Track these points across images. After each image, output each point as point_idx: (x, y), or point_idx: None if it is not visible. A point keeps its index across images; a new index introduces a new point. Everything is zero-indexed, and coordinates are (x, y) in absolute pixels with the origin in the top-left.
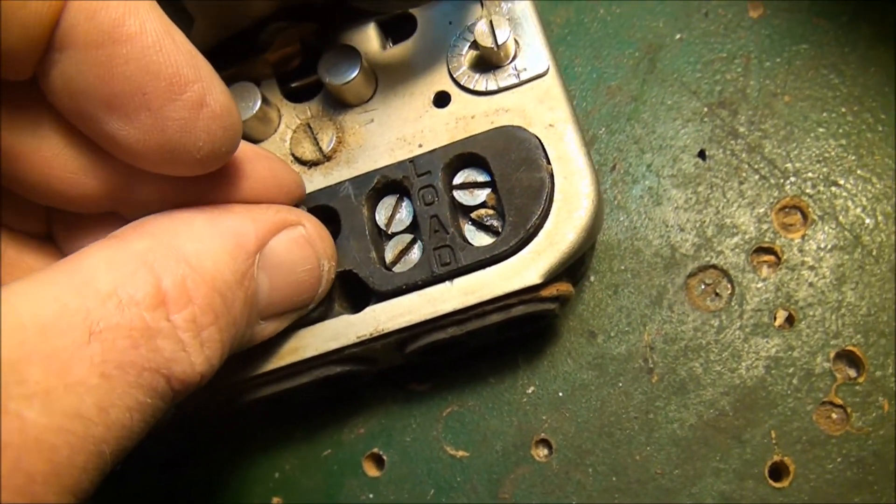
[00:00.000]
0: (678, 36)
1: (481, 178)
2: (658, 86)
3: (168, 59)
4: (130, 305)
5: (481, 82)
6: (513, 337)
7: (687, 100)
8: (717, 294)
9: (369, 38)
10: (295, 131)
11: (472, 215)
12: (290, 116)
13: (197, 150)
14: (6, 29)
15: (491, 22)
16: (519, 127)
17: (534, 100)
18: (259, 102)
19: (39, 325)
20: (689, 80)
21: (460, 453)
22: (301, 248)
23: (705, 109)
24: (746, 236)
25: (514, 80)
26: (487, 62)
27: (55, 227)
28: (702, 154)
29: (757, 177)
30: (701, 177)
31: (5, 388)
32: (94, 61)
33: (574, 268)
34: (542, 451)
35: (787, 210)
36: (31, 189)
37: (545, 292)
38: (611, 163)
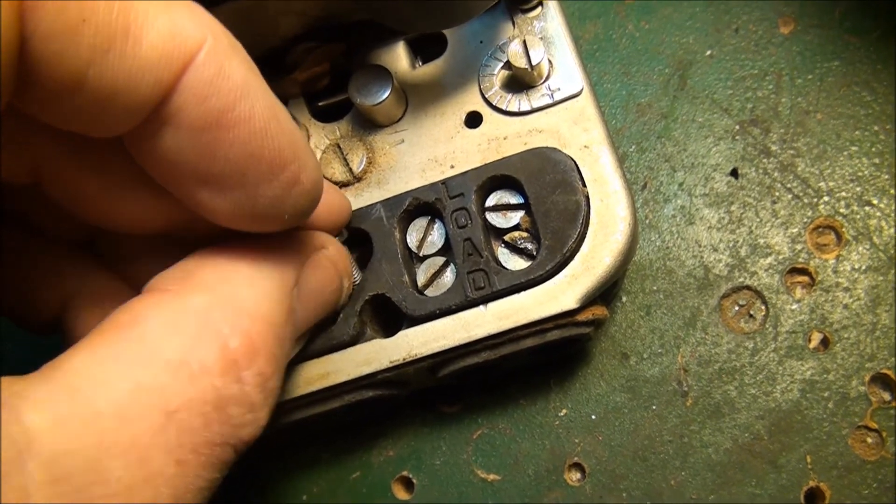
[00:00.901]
0: (708, 52)
1: (514, 200)
2: (689, 103)
3: (272, 143)
4: (202, 374)
5: (514, 102)
6: (545, 360)
7: (718, 117)
8: (751, 315)
9: (398, 57)
10: (324, 152)
11: (506, 238)
12: (319, 136)
13: (282, 219)
14: (108, 111)
15: (524, 42)
16: (553, 148)
17: (568, 120)
18: None
19: (116, 410)
20: (720, 98)
21: (491, 477)
22: (327, 272)
23: (737, 127)
24: (780, 257)
25: (548, 101)
26: (520, 82)
27: (101, 239)
28: (734, 173)
29: (790, 196)
30: (734, 196)
31: (88, 490)
32: (197, 143)
33: (607, 290)
34: (576, 475)
35: (820, 230)
36: (94, 218)
37: (581, 317)
38: (641, 181)
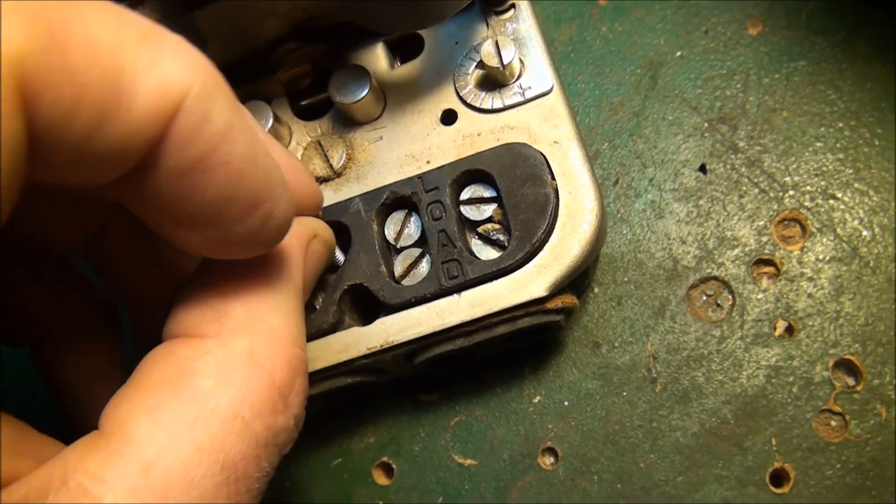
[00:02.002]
0: (679, 53)
1: (487, 193)
2: (659, 102)
3: (247, 185)
4: (255, 419)
5: (487, 100)
6: (519, 348)
7: (688, 115)
8: (718, 305)
9: (378, 58)
10: (306, 148)
11: (479, 230)
12: (301, 134)
13: (254, 249)
14: (100, 169)
15: (497, 42)
16: (524, 144)
17: (538, 117)
18: (271, 121)
19: (184, 478)
20: (689, 97)
21: (468, 462)
22: (321, 256)
23: (706, 125)
24: (747, 248)
25: (520, 98)
26: (493, 81)
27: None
28: (703, 168)
29: (757, 190)
30: (702, 190)
31: None
32: (173, 187)
33: (578, 280)
34: (549, 460)
35: (786, 223)
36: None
37: (550, 304)
38: (614, 177)
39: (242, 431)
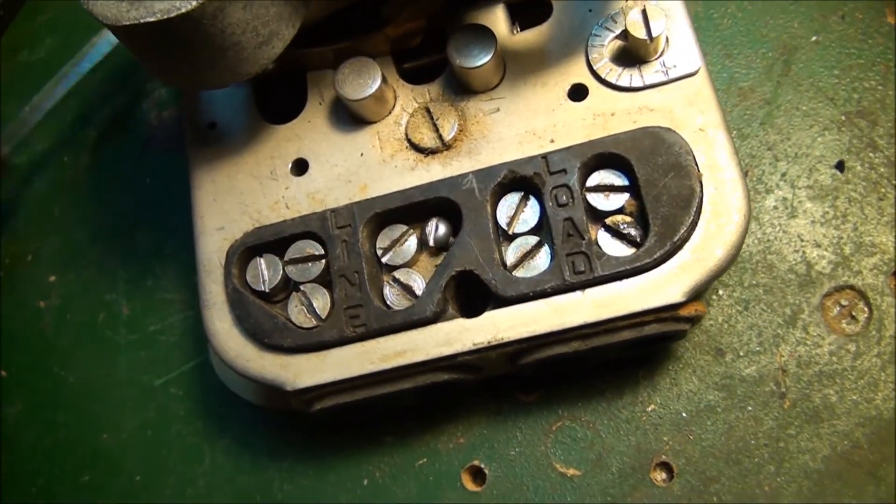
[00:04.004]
0: (814, 38)
1: (619, 181)
2: (793, 90)
3: None
4: None
5: (624, 76)
6: (630, 357)
7: (823, 107)
8: (853, 317)
9: (497, 21)
10: (412, 115)
11: (607, 221)
12: (407, 98)
13: None
14: None
15: (644, 10)
16: (668, 129)
17: (682, 100)
18: (378, 80)
19: None
20: (825, 86)
21: (571, 471)
22: None
23: (843, 118)
24: (886, 257)
25: (662, 78)
26: (633, 55)
27: None
28: (840, 166)
29: None
30: (839, 190)
31: None
32: None
33: None
34: (662, 475)
35: None
36: None
37: (683, 311)
38: (742, 169)
39: None
